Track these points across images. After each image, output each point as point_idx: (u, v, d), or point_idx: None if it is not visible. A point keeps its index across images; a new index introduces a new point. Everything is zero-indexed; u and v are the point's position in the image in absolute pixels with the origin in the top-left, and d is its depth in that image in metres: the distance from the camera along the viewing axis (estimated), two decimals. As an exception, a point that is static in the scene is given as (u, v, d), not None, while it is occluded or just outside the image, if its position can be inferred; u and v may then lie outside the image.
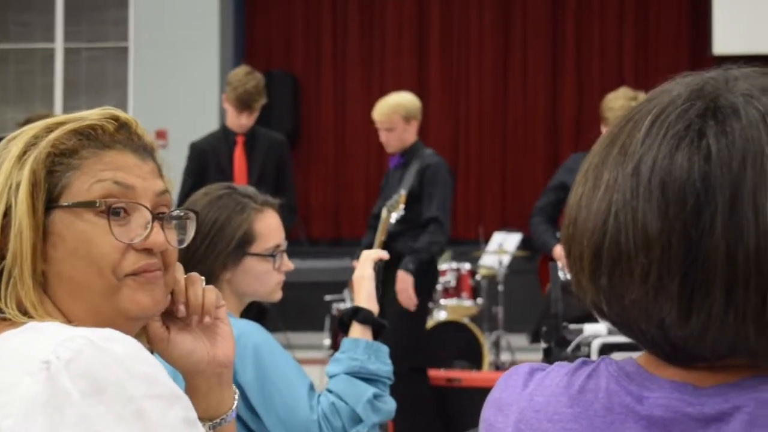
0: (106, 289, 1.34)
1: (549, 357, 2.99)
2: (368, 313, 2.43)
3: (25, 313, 1.29)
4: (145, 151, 1.41)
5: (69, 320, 1.31)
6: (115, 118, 1.39)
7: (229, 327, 1.50)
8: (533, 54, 10.97)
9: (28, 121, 6.52)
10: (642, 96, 5.49)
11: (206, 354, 1.46)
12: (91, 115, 1.38)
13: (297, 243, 9.90)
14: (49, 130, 1.35)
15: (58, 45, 11.02)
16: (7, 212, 1.30)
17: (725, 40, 10.30)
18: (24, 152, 1.33)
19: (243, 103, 5.87)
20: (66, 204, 1.33)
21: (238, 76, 5.95)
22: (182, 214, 1.45)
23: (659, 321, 0.95)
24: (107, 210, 1.34)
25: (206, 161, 5.98)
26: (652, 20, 10.87)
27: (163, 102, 10.52)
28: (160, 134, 10.44)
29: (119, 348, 1.21)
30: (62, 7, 11.00)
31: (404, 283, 5.65)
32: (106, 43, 10.97)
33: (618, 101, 5.51)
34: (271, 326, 8.06)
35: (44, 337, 1.22)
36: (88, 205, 1.33)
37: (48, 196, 1.32)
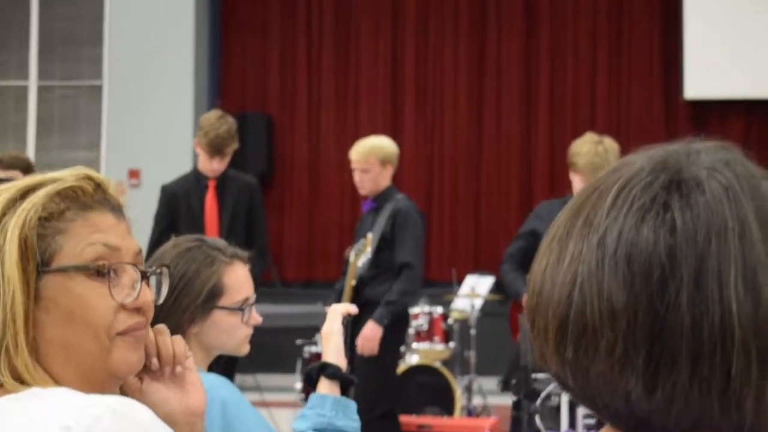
0: (100, 350, 1.35)
1: (518, 410, 2.99)
2: (336, 368, 2.41)
3: (18, 379, 1.28)
4: (120, 210, 1.43)
5: (60, 385, 1.31)
6: (90, 178, 1.40)
7: (197, 376, 1.53)
8: (507, 99, 11.04)
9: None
10: (607, 141, 5.57)
11: (179, 403, 1.48)
12: (68, 176, 1.38)
13: (270, 285, 9.89)
14: (25, 192, 1.35)
15: (32, 82, 10.99)
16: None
17: (697, 85, 10.42)
18: (2, 215, 1.33)
19: (214, 148, 5.86)
20: (59, 268, 1.33)
21: (210, 121, 5.94)
22: (160, 271, 1.49)
23: (625, 394, 0.94)
24: (103, 272, 1.36)
25: (177, 205, 5.96)
26: (625, 65, 10.96)
27: (136, 142, 10.50)
28: (133, 174, 10.42)
29: (139, 415, 1.24)
30: (36, 44, 10.98)
31: (373, 333, 5.63)
32: (80, 81, 10.94)
33: (584, 146, 5.56)
34: (242, 369, 8.05)
35: (59, 403, 1.23)
36: (83, 268, 1.34)
37: (38, 260, 1.32)
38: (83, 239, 1.35)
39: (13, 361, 1.28)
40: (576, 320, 0.96)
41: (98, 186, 1.40)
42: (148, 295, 1.41)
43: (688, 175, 0.97)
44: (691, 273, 0.92)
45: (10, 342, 1.28)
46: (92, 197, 1.39)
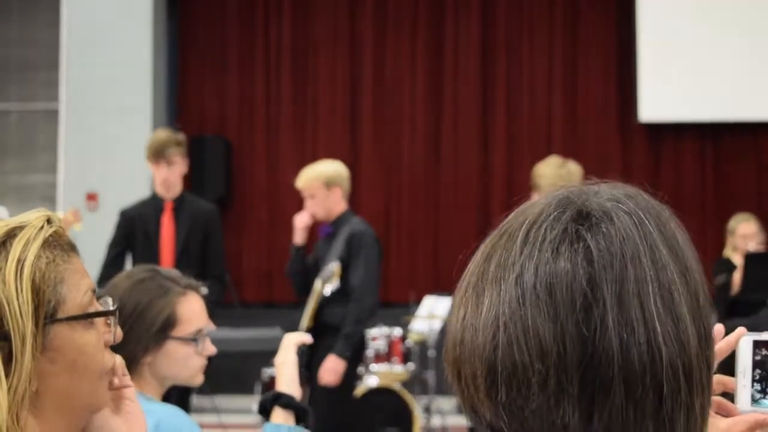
0: (94, 393, 1.36)
1: (473, 435, 2.99)
2: (290, 398, 2.42)
3: None
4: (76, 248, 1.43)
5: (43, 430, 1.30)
6: (50, 220, 1.38)
7: (138, 406, 1.51)
8: (464, 122, 11.08)
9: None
10: (571, 164, 5.62)
11: (118, 429, 1.46)
12: (37, 220, 1.36)
13: (229, 307, 9.86)
14: (5, 238, 1.31)
15: (-12, 106, 10.93)
16: (5, 335, 1.25)
17: (651, 107, 10.52)
18: None
19: (156, 153, 5.94)
20: (67, 318, 1.32)
21: (153, 135, 6.20)
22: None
23: (563, 427, 0.95)
24: (101, 318, 1.37)
25: (134, 228, 5.96)
26: (581, 89, 11.03)
27: (94, 165, 10.44)
28: (91, 197, 10.37)
29: None
30: (-7, 68, 10.92)
31: (335, 366, 5.62)
32: (36, 105, 10.88)
33: (548, 168, 5.61)
34: (200, 390, 8.01)
35: None
36: (89, 316, 1.35)
37: (47, 311, 1.30)
38: (77, 287, 1.35)
39: (0, 411, 1.23)
40: (504, 360, 0.96)
41: (61, 227, 1.39)
42: (120, 331, 1.43)
43: (594, 206, 1.00)
44: (613, 297, 0.94)
45: (4, 394, 1.24)
46: (65, 240, 1.38)
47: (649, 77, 10.47)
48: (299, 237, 6.03)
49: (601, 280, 0.95)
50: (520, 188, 10.56)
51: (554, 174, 5.53)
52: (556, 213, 1.00)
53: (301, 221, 6.01)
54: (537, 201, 1.04)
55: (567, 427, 0.95)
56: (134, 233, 5.95)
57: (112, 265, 5.70)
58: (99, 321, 1.38)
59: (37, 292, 1.29)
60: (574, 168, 5.62)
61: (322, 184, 5.89)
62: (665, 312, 0.95)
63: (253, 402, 8.00)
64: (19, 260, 1.29)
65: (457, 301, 1.03)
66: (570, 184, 1.06)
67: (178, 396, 5.23)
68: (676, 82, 10.39)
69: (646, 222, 0.99)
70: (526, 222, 1.01)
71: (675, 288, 0.96)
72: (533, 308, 0.95)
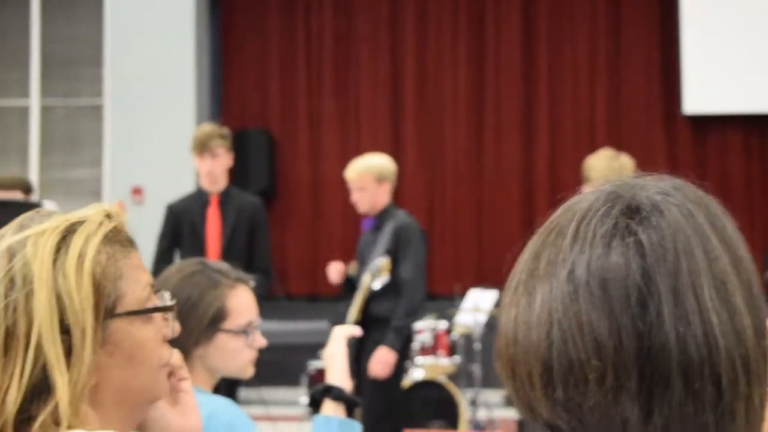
0: (152, 386, 1.38)
1: (523, 429, 2.99)
2: (340, 390, 2.43)
3: (56, 422, 1.24)
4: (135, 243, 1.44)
5: (104, 425, 1.32)
6: (109, 216, 1.39)
7: (193, 398, 1.52)
8: (507, 113, 11.05)
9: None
10: (623, 158, 5.58)
11: (176, 423, 1.47)
12: (96, 215, 1.37)
13: (274, 299, 9.90)
14: (65, 233, 1.32)
15: (34, 102, 11.03)
16: (66, 329, 1.27)
17: (696, 100, 10.40)
18: (54, 261, 1.30)
19: (201, 145, 5.97)
20: (126, 312, 1.34)
21: (198, 128, 6.28)
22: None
23: (622, 422, 0.94)
24: (159, 313, 1.39)
25: (181, 223, 6.00)
26: (624, 82, 10.95)
27: (138, 160, 10.53)
28: (136, 191, 10.45)
29: None
30: (38, 65, 11.02)
31: (386, 358, 5.65)
32: (81, 101, 10.98)
33: (600, 161, 5.58)
34: (247, 383, 8.05)
35: None
36: (147, 312, 1.37)
37: (107, 306, 1.32)
38: (136, 282, 1.36)
39: (61, 405, 1.24)
40: (560, 358, 0.96)
41: (121, 223, 1.41)
42: (177, 326, 1.45)
43: (643, 200, 0.99)
44: (668, 290, 0.94)
45: (65, 387, 1.24)
46: (124, 236, 1.39)
47: (693, 68, 10.35)
48: (336, 279, 6.11)
49: (655, 274, 0.94)
50: (563, 180, 10.52)
51: (606, 166, 5.51)
52: (605, 208, 0.99)
53: (335, 273, 6.11)
54: (584, 196, 1.03)
55: (626, 422, 0.94)
56: (181, 227, 5.99)
57: (161, 260, 5.76)
58: (157, 315, 1.40)
59: (97, 287, 1.30)
60: (626, 161, 5.59)
61: (374, 177, 5.90)
62: (720, 303, 0.94)
63: (298, 394, 8.04)
64: (80, 255, 1.30)
65: (508, 300, 1.03)
66: (620, 177, 1.05)
67: (226, 388, 5.25)
68: (721, 73, 10.26)
69: (696, 214, 0.99)
70: (575, 218, 1.00)
71: (728, 279, 0.96)
72: (587, 304, 0.95)
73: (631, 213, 0.98)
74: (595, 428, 0.96)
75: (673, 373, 0.92)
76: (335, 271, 6.12)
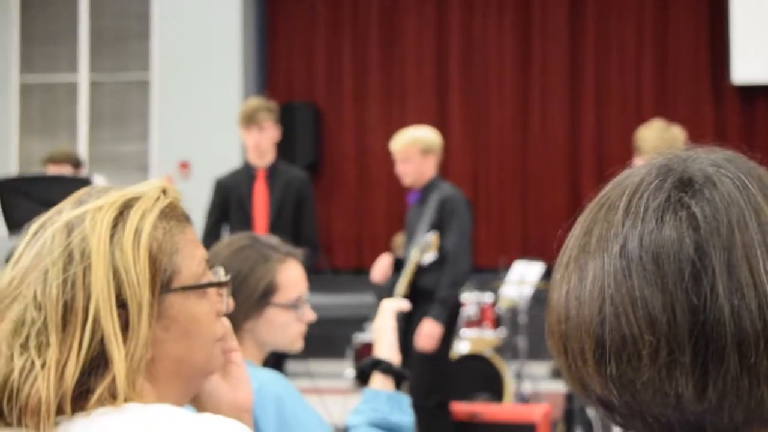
0: (208, 360, 1.40)
1: (572, 402, 2.99)
2: (389, 363, 2.44)
3: (113, 395, 1.26)
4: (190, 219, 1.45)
5: (161, 398, 1.33)
6: (165, 191, 1.40)
7: (245, 371, 1.54)
8: (552, 85, 10.99)
9: (50, 158, 6.60)
10: (675, 129, 5.54)
11: (227, 396, 1.50)
12: (153, 191, 1.38)
13: (320, 273, 9.95)
14: (121, 211, 1.33)
15: (83, 78, 11.12)
16: (123, 303, 1.28)
17: (744, 69, 10.27)
18: (112, 236, 1.31)
19: (248, 118, 6.01)
20: (182, 287, 1.35)
21: (245, 101, 6.36)
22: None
23: (675, 399, 0.94)
24: (214, 288, 1.41)
25: (229, 197, 6.05)
26: (671, 51, 10.85)
27: (185, 134, 10.59)
28: (184, 165, 10.51)
29: None
30: (87, 40, 11.11)
31: (432, 331, 5.67)
32: (128, 76, 11.06)
33: (652, 132, 5.55)
34: (294, 355, 8.10)
35: (185, 422, 1.25)
36: (203, 287, 1.38)
37: (163, 280, 1.33)
38: (192, 257, 1.37)
39: (118, 377, 1.26)
40: (613, 333, 0.96)
41: (177, 199, 1.42)
42: (231, 301, 1.47)
43: (696, 173, 0.99)
44: (722, 264, 0.93)
45: (121, 360, 1.26)
46: (180, 211, 1.40)
47: (741, 38, 10.19)
48: (379, 278, 6.06)
49: (709, 247, 0.94)
50: (609, 152, 10.46)
51: (658, 138, 5.46)
52: (657, 181, 0.99)
53: (381, 270, 6.04)
54: (635, 170, 1.03)
55: (680, 397, 0.94)
56: (228, 202, 6.04)
57: (210, 235, 5.81)
58: (211, 291, 1.41)
59: (153, 261, 1.31)
60: (677, 132, 5.55)
61: (419, 150, 5.90)
62: None
63: (344, 367, 8.09)
64: (136, 230, 1.31)
65: (559, 276, 1.03)
66: (672, 148, 1.05)
67: (274, 361, 5.30)
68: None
69: (749, 185, 0.98)
70: (627, 192, 1.00)
71: None
72: (640, 279, 0.95)
73: (683, 186, 0.98)
74: (648, 404, 0.96)
75: (728, 347, 0.92)
76: (380, 268, 6.06)
